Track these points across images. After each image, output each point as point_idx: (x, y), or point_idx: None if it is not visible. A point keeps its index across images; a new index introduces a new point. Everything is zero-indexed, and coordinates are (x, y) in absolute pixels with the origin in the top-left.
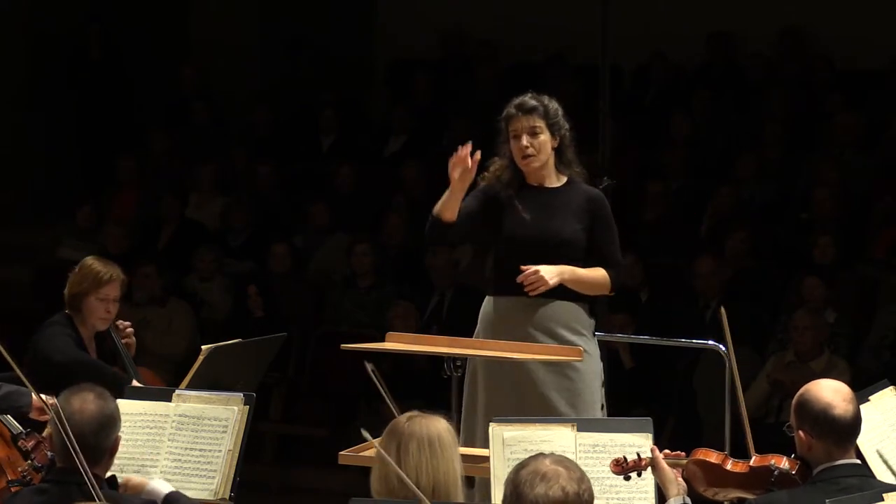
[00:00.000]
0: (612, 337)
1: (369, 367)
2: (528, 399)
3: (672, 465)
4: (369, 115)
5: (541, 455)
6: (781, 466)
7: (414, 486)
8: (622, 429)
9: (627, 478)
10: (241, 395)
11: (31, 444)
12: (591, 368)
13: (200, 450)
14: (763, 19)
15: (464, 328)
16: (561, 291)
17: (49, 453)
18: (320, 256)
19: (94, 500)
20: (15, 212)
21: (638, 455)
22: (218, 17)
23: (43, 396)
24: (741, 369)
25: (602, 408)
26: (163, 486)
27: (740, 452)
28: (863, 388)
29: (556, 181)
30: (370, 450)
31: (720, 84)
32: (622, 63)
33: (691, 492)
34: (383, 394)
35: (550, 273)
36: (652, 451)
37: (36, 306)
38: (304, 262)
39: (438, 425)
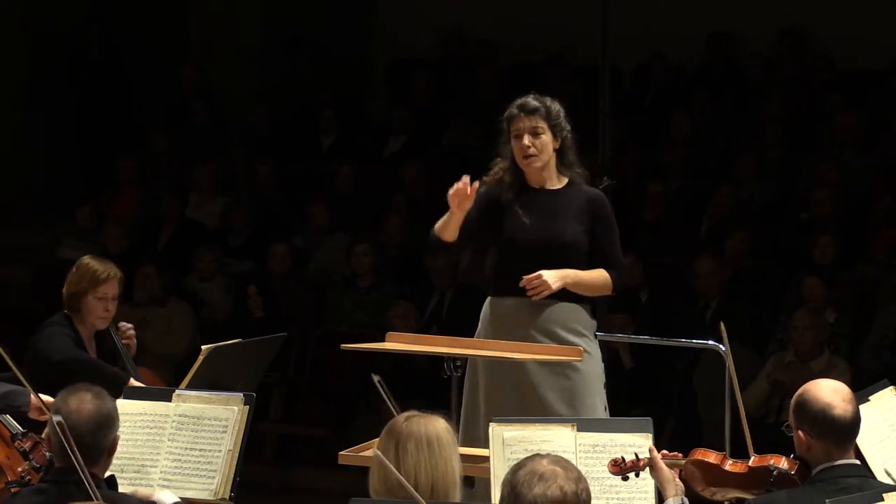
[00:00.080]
0: (612, 337)
1: (376, 378)
2: (527, 399)
3: (670, 466)
4: (369, 115)
5: (538, 455)
6: (780, 467)
7: (413, 490)
8: (622, 429)
9: (625, 478)
10: (241, 395)
11: (28, 444)
12: (593, 370)
13: (200, 450)
14: (763, 19)
15: (464, 328)
16: (562, 293)
17: (47, 453)
18: (320, 256)
19: (93, 501)
20: (15, 212)
21: (636, 455)
22: (218, 17)
23: (42, 396)
24: (741, 369)
25: (605, 409)
26: (168, 499)
27: (740, 452)
28: (863, 388)
29: (556, 183)
30: (370, 450)
31: (720, 84)
32: (622, 63)
33: (689, 492)
34: (390, 405)
35: (553, 277)
36: (650, 451)
37: (36, 306)
38: (304, 262)
39: (437, 425)
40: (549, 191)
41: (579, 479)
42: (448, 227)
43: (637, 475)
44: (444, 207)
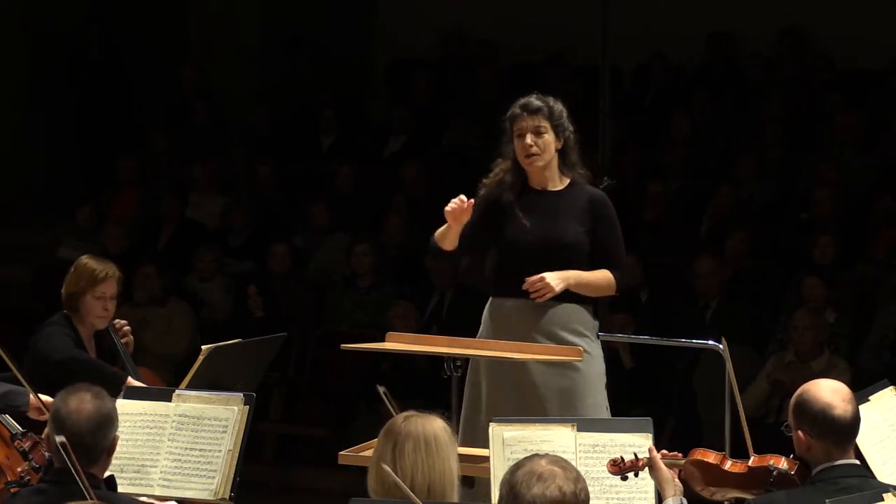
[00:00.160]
0: (613, 337)
1: (381, 389)
2: (528, 399)
3: (669, 466)
4: (369, 115)
5: (536, 455)
6: (780, 467)
7: (409, 491)
8: (622, 429)
9: (624, 478)
10: (241, 395)
11: (27, 444)
12: (594, 371)
13: (200, 450)
14: (763, 19)
15: (464, 328)
16: (565, 294)
17: (47, 454)
18: (320, 256)
19: (94, 501)
20: (15, 212)
21: (635, 455)
22: (218, 17)
23: (42, 397)
24: (741, 369)
25: (606, 409)
26: None
27: (740, 453)
28: (863, 388)
29: (558, 184)
30: (370, 450)
31: (720, 84)
32: (622, 63)
33: (688, 492)
34: (395, 415)
35: (556, 279)
36: (649, 451)
37: (36, 306)
38: (304, 262)
39: (434, 425)
40: (550, 192)
41: (578, 479)
42: (447, 237)
43: (636, 475)
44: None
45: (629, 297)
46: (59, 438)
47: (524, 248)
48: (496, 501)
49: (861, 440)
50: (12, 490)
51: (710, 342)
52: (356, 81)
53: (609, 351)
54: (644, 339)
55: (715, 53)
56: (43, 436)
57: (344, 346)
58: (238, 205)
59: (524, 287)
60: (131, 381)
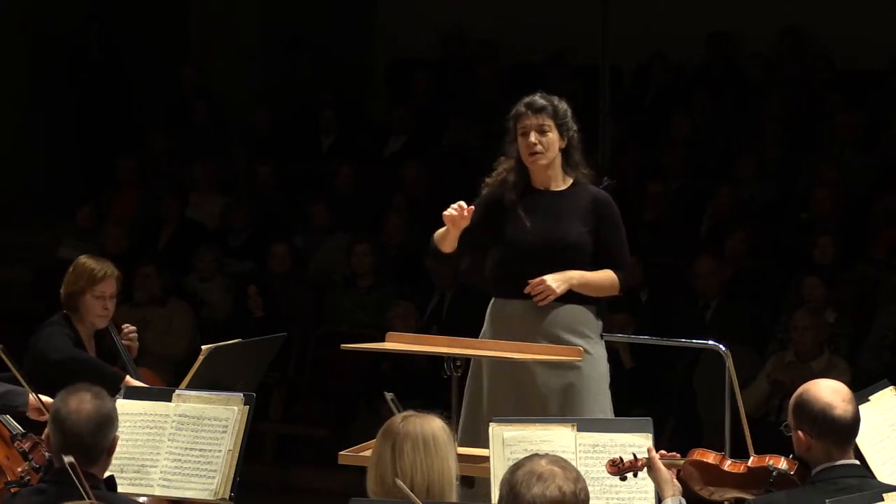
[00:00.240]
0: (613, 337)
1: (389, 396)
2: (529, 400)
3: (668, 466)
4: (369, 115)
5: (536, 455)
6: (780, 467)
7: (410, 493)
8: (622, 429)
9: (623, 478)
10: (241, 395)
11: (27, 445)
12: (597, 372)
13: (200, 450)
14: (763, 19)
15: (464, 328)
16: (568, 295)
17: (47, 454)
18: (320, 256)
19: (92, 500)
20: (15, 212)
21: (634, 456)
22: (218, 17)
23: (42, 397)
24: (741, 369)
25: (610, 411)
26: None
27: (740, 452)
28: (863, 388)
29: (561, 184)
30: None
31: (720, 84)
32: (622, 63)
33: (687, 492)
34: None
35: (557, 281)
36: (648, 451)
37: (36, 306)
38: (304, 262)
39: (433, 424)
40: (553, 192)
41: (578, 478)
42: (446, 241)
43: (635, 475)
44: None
45: (629, 297)
46: (68, 459)
47: (525, 248)
48: (496, 501)
49: (861, 440)
50: (12, 490)
51: (710, 342)
52: (356, 81)
53: (609, 351)
54: (644, 339)
55: (715, 53)
56: (43, 436)
57: (344, 346)
58: (238, 205)
59: (526, 290)
60: (129, 380)
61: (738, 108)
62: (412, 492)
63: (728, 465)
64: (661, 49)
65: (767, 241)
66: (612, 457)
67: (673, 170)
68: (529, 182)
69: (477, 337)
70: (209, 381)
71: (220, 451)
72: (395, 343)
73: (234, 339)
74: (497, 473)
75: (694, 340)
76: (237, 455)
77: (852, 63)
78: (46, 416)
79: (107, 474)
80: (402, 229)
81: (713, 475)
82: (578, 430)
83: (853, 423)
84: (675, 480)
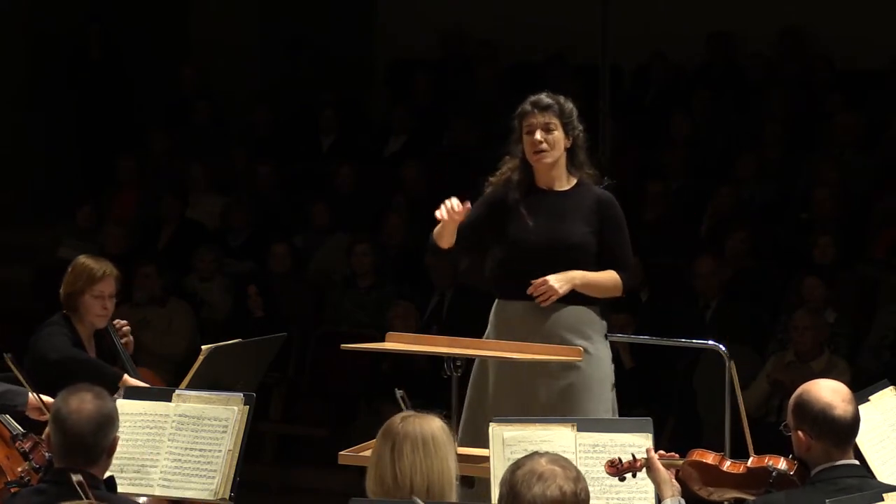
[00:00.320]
0: (613, 337)
1: (399, 393)
2: (531, 401)
3: (667, 466)
4: (369, 115)
5: (536, 454)
6: (779, 467)
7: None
8: (622, 429)
9: (622, 479)
10: (241, 395)
11: (27, 445)
12: (601, 373)
13: (200, 450)
14: (763, 19)
15: (464, 328)
16: (571, 296)
17: (47, 454)
18: (320, 256)
19: (91, 500)
20: (15, 212)
21: (633, 456)
22: (218, 17)
23: (42, 397)
24: (741, 369)
25: (614, 412)
26: None
27: (740, 453)
28: (863, 388)
29: (565, 184)
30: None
31: (720, 84)
32: (622, 63)
33: (686, 491)
34: None
35: (560, 282)
36: (647, 451)
37: (36, 306)
38: (304, 262)
39: (433, 425)
40: (557, 192)
41: (578, 478)
42: (443, 235)
43: (634, 476)
44: None
45: (629, 297)
46: (77, 478)
47: (528, 248)
48: (496, 501)
49: (861, 440)
50: (12, 490)
51: (710, 342)
52: (356, 81)
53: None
54: (644, 339)
55: (715, 53)
56: (44, 436)
57: (344, 346)
58: (238, 205)
59: (529, 292)
60: (127, 379)
61: (738, 108)
62: (412, 492)
63: (727, 465)
64: (661, 49)
65: (767, 241)
66: (611, 457)
67: (673, 170)
68: (533, 181)
69: (476, 336)
70: (209, 381)
71: (220, 451)
72: (395, 343)
73: (234, 339)
74: (497, 473)
75: (694, 340)
76: (237, 455)
77: (852, 63)
78: (46, 416)
79: (107, 474)
80: (402, 229)
81: (712, 476)
82: (578, 430)
83: (853, 424)
84: (673, 481)
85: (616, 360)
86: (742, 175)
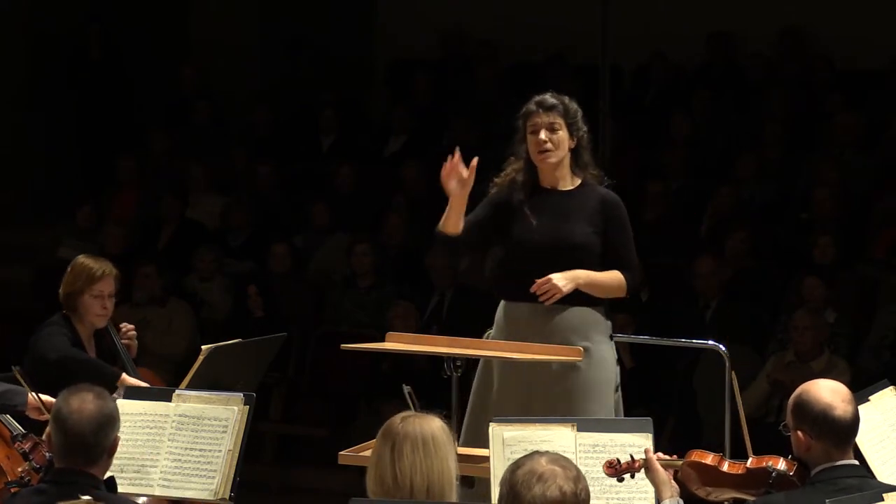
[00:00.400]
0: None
1: (406, 389)
2: (534, 402)
3: (666, 467)
4: (369, 115)
5: (536, 453)
6: (779, 468)
7: None
8: (622, 429)
9: (620, 479)
10: (241, 395)
11: (27, 445)
12: (605, 374)
13: (200, 450)
14: (763, 19)
15: (464, 328)
16: (576, 296)
17: (47, 454)
18: (320, 256)
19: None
20: (15, 212)
21: (631, 457)
22: (218, 17)
23: (43, 396)
24: (741, 369)
25: (620, 413)
26: None
27: (740, 453)
28: (863, 388)
29: (569, 184)
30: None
31: (720, 84)
32: (622, 63)
33: (685, 491)
34: None
35: (563, 280)
36: (646, 452)
37: (36, 306)
38: (304, 262)
39: (432, 425)
40: (561, 191)
41: (578, 478)
42: (449, 218)
43: (632, 477)
44: (443, 207)
45: (629, 297)
46: (87, 498)
47: (531, 248)
48: (496, 501)
49: (861, 440)
50: (12, 490)
51: (710, 342)
52: (356, 81)
53: None
54: (644, 339)
55: (715, 53)
56: (44, 436)
57: (344, 346)
58: (238, 205)
59: (532, 289)
60: (125, 378)
61: (738, 108)
62: (412, 492)
63: (727, 466)
64: (661, 49)
65: (767, 241)
66: (612, 457)
67: (673, 170)
68: (537, 182)
69: (476, 336)
70: (209, 381)
71: (220, 451)
72: (395, 343)
73: (234, 339)
74: (497, 473)
75: (694, 340)
76: (237, 455)
77: (852, 63)
78: (46, 416)
79: (107, 474)
80: (402, 229)
81: (711, 476)
82: (578, 430)
83: (853, 424)
84: (672, 482)
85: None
86: (742, 175)
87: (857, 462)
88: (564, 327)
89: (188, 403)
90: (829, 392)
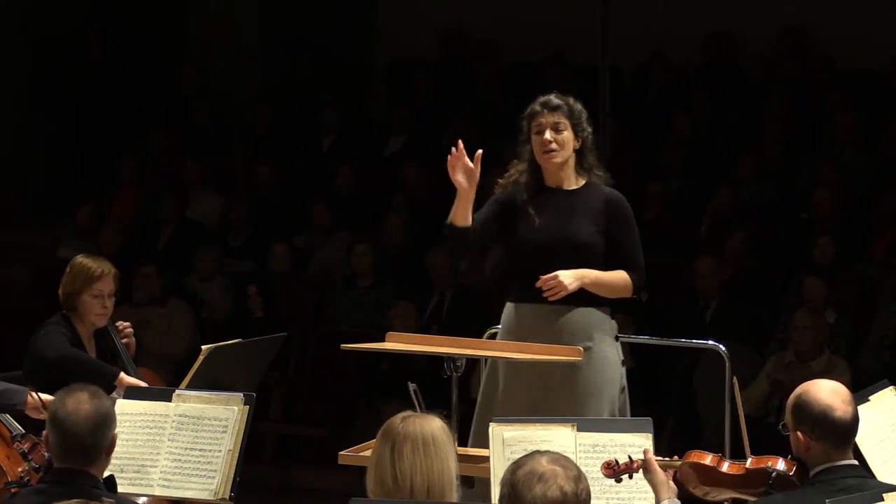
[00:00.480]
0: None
1: (412, 387)
2: (538, 403)
3: (664, 468)
4: (369, 115)
5: (537, 453)
6: (779, 468)
7: None
8: (622, 429)
9: (619, 480)
10: (241, 395)
11: (26, 445)
12: (609, 374)
13: (200, 450)
14: (763, 19)
15: (464, 328)
16: (581, 297)
17: (46, 454)
18: (320, 256)
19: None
20: (15, 212)
21: (629, 458)
22: (218, 17)
23: (42, 396)
24: (741, 369)
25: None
26: None
27: (741, 453)
28: (863, 388)
29: (574, 183)
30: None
31: (720, 84)
32: (622, 63)
33: (683, 491)
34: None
35: (570, 277)
36: (645, 453)
37: (36, 306)
38: (304, 262)
39: (433, 425)
40: (565, 191)
41: (579, 478)
42: (458, 212)
43: (630, 477)
44: (443, 207)
45: (629, 297)
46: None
47: (534, 247)
48: (496, 501)
49: (861, 440)
50: (12, 490)
51: (710, 342)
52: (356, 81)
53: None
54: (644, 339)
55: (715, 53)
56: (42, 436)
57: (344, 346)
58: (238, 205)
59: (538, 285)
60: (124, 377)
61: (738, 108)
62: (412, 493)
63: (726, 466)
64: (661, 49)
65: (767, 241)
66: (612, 457)
67: (673, 170)
68: (542, 182)
69: (476, 336)
70: (209, 381)
71: (220, 451)
72: (395, 343)
73: (234, 339)
74: (497, 473)
75: (694, 340)
76: (237, 455)
77: (852, 63)
78: (45, 415)
79: (106, 474)
80: (402, 229)
81: (710, 477)
82: (578, 430)
83: (853, 425)
84: (671, 482)
85: None
86: (742, 175)
87: (856, 462)
88: (570, 328)
89: (188, 403)
90: (828, 393)
